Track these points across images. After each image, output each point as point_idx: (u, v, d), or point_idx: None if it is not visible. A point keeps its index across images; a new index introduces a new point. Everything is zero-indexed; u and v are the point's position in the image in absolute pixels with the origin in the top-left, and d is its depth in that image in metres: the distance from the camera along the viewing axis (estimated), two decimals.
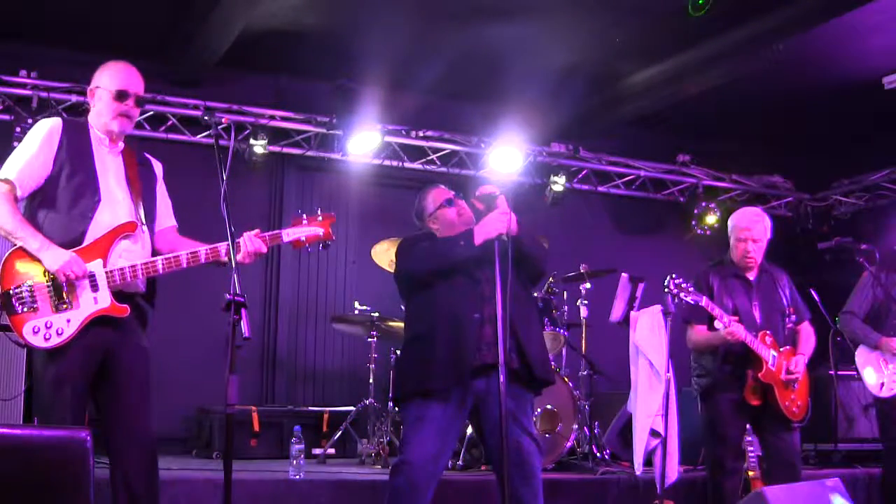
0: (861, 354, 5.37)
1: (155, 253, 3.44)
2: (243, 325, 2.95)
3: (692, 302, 4.40)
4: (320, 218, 3.49)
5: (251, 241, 3.39)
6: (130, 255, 3.33)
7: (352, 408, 6.27)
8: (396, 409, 5.77)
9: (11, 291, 3.16)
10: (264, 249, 3.42)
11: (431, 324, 3.73)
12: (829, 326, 5.83)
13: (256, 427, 6.23)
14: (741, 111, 7.92)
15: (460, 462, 5.46)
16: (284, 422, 6.28)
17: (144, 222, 3.42)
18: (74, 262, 3.18)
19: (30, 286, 3.18)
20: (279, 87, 7.50)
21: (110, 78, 3.45)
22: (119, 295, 3.29)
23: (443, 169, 7.85)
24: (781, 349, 4.58)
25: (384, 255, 6.18)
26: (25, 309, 3.15)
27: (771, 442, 4.60)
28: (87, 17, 6.32)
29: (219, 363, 2.98)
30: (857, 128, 8.20)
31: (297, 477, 4.86)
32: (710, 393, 4.64)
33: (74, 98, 6.58)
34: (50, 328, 3.15)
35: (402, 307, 6.02)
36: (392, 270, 5.99)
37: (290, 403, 7.11)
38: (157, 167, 3.65)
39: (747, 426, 4.65)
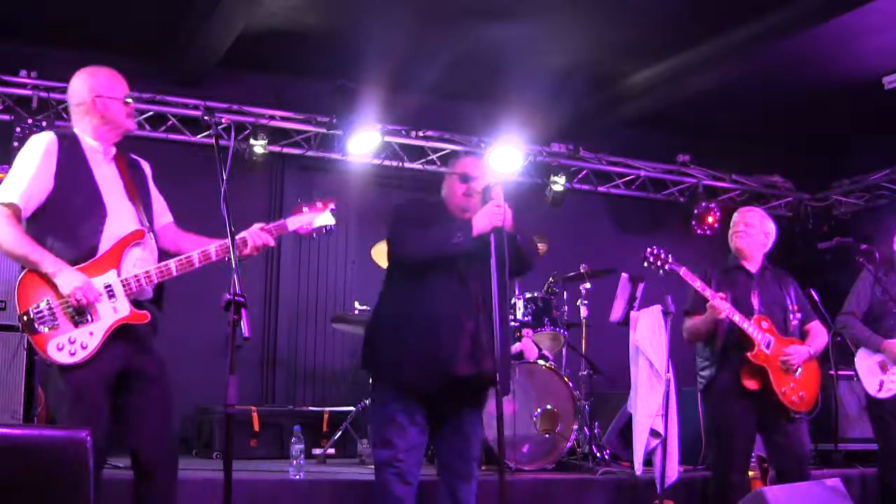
0: (861, 356, 5.36)
1: (161, 253, 3.42)
2: (243, 325, 2.94)
3: (668, 270, 4.32)
4: (319, 205, 3.70)
5: (257, 236, 3.45)
6: (142, 263, 3.31)
7: (352, 408, 6.26)
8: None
9: (31, 312, 3.10)
10: (272, 242, 3.50)
11: (408, 319, 3.67)
12: (830, 326, 5.82)
13: (256, 427, 6.22)
14: (741, 111, 7.92)
15: None
16: (284, 422, 6.27)
17: (149, 227, 3.40)
18: (87, 288, 3.13)
19: (48, 304, 3.12)
20: (279, 87, 7.50)
21: (111, 85, 3.43)
22: (135, 303, 3.28)
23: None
24: (782, 338, 4.50)
25: (384, 255, 6.17)
26: (47, 328, 3.09)
27: (774, 438, 4.51)
28: (87, 17, 6.31)
29: (218, 363, 2.98)
30: (857, 128, 8.20)
31: (297, 477, 4.86)
32: (712, 384, 4.54)
33: None
34: (73, 343, 3.09)
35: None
36: None
37: (290, 403, 7.11)
38: (146, 166, 3.62)
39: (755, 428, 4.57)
